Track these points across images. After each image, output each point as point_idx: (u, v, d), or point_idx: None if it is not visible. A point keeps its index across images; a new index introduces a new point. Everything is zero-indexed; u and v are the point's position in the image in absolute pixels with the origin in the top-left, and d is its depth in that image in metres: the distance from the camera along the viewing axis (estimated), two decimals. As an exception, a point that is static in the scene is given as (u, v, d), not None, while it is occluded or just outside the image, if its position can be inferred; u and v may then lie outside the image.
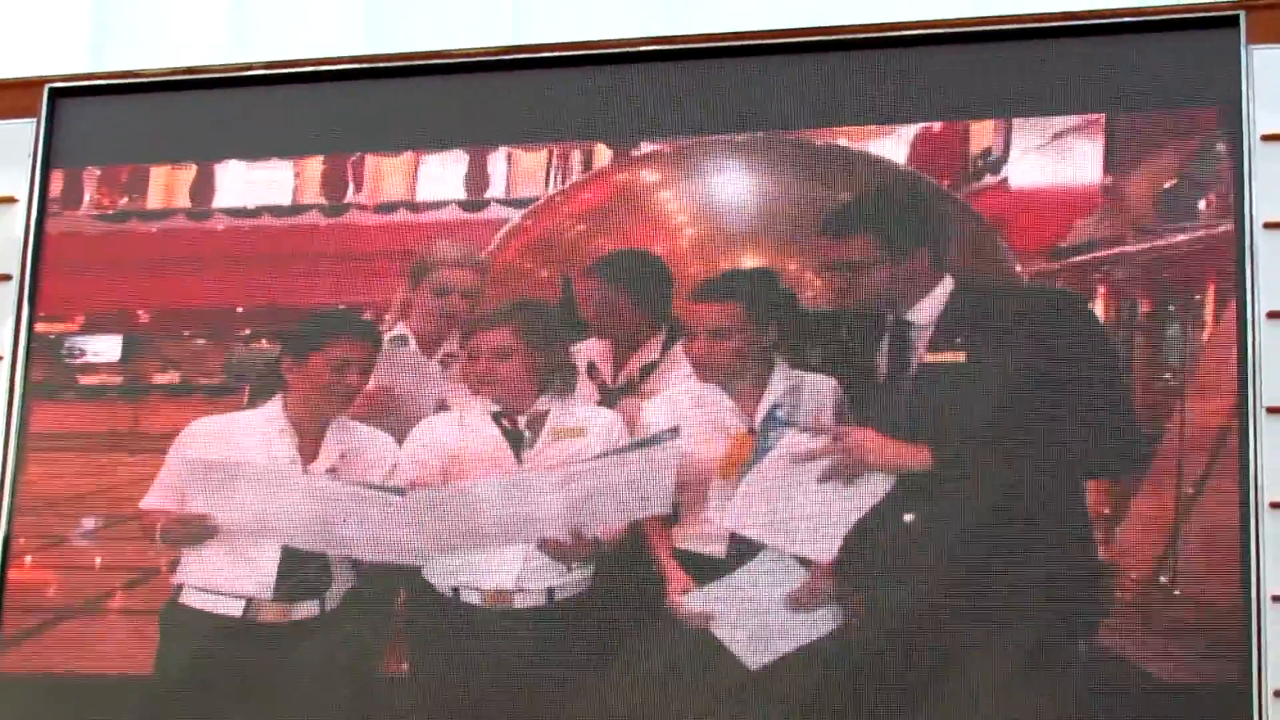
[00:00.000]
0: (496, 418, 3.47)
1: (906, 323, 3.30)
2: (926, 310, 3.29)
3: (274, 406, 3.56)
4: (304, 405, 3.54)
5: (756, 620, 3.26)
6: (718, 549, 3.32)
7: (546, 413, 3.47)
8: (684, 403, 3.41)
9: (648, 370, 3.49)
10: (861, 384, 3.30)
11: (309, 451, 3.52)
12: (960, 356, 3.25)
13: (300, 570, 3.46)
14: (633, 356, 3.52)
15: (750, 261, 3.44)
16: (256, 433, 3.55)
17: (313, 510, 3.45)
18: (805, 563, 3.25)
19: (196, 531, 3.50)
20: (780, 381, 3.36)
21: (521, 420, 3.46)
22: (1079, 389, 3.17)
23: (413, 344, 3.60)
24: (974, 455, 3.17)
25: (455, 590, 3.41)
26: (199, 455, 3.54)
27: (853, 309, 3.33)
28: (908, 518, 3.21)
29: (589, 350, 3.53)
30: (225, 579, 3.49)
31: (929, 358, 3.26)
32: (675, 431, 3.35)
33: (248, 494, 3.48)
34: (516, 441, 3.46)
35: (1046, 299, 3.29)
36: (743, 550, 3.29)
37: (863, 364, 3.32)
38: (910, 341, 3.29)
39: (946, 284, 3.30)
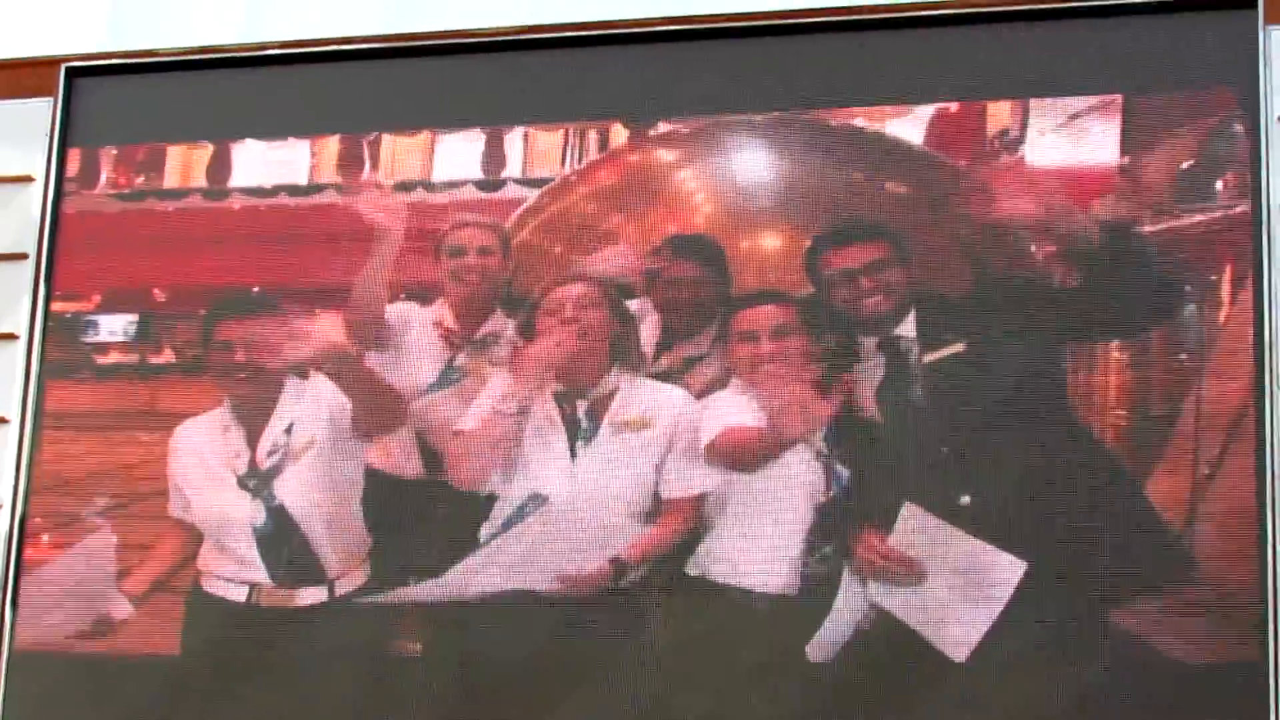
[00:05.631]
0: (559, 400, 3.40)
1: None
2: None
3: (225, 405, 3.60)
4: (239, 396, 3.57)
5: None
6: None
7: (612, 394, 3.39)
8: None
9: (691, 363, 3.42)
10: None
11: (255, 441, 3.56)
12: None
13: (277, 551, 3.49)
14: (680, 344, 3.44)
15: (768, 241, 3.44)
16: (205, 435, 3.59)
17: None
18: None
19: None
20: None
21: (582, 406, 3.39)
22: None
23: (450, 320, 3.55)
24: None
25: None
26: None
27: None
28: (964, 500, 3.21)
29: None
30: (230, 566, 3.52)
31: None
32: (540, 499, 3.34)
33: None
34: (574, 430, 3.40)
35: None
36: None
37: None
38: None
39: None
